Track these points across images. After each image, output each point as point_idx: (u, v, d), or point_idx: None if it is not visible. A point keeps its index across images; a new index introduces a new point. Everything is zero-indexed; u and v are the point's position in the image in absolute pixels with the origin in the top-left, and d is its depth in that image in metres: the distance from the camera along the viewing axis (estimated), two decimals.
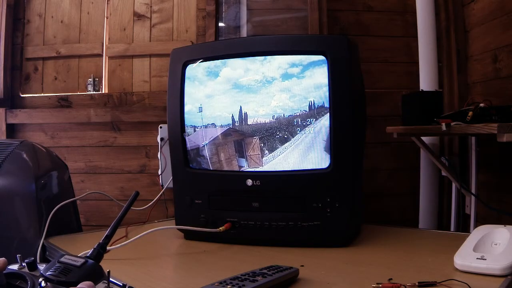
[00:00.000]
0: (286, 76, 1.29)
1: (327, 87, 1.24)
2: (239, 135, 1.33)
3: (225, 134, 1.35)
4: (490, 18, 1.75)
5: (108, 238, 0.89)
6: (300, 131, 1.28)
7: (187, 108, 1.38)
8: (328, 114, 1.25)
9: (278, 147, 1.30)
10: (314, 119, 1.26)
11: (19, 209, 1.39)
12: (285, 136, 1.29)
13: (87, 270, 0.75)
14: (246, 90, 1.32)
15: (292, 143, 1.29)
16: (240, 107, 1.32)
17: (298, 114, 1.28)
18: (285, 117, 1.28)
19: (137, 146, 2.14)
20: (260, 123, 1.31)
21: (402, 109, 1.85)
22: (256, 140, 1.31)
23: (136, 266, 1.14)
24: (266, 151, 1.31)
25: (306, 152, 1.28)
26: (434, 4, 1.97)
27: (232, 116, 1.33)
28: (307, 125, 1.27)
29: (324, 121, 1.25)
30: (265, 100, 1.30)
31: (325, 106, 1.25)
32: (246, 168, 1.33)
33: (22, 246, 1.35)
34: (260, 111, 1.30)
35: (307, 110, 1.27)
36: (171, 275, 1.16)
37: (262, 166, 1.31)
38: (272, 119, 1.29)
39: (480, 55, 1.84)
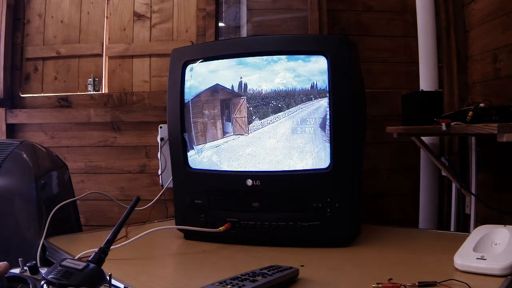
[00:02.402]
0: (292, 58, 1.29)
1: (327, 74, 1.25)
2: (226, 93, 1.32)
3: (212, 90, 1.34)
4: (490, 18, 1.75)
5: (109, 242, 0.90)
6: (297, 104, 1.27)
7: (187, 84, 1.38)
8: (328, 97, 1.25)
9: (269, 115, 1.29)
10: (314, 98, 1.26)
11: (19, 209, 1.39)
12: (279, 105, 1.28)
13: (88, 274, 0.75)
14: (251, 66, 1.32)
15: (286, 114, 1.28)
16: (241, 77, 1.32)
17: (299, 90, 1.28)
18: (285, 91, 1.28)
19: (137, 146, 2.14)
20: (256, 91, 1.30)
21: (402, 109, 1.85)
22: (243, 100, 1.30)
23: (136, 266, 1.14)
24: (255, 117, 1.30)
25: (299, 125, 1.27)
26: (434, 4, 1.97)
27: (232, 86, 1.33)
28: (305, 101, 1.27)
29: (324, 102, 1.25)
30: (269, 77, 1.30)
31: (327, 90, 1.25)
32: (231, 133, 1.33)
33: (22, 246, 1.35)
34: (263, 86, 1.30)
35: (309, 89, 1.27)
36: (171, 275, 1.16)
37: (248, 133, 1.30)
38: (270, 91, 1.30)
39: (480, 55, 1.84)
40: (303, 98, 1.27)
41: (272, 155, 1.30)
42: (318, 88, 1.26)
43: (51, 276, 0.73)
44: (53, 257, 1.28)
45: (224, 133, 1.34)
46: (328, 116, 1.25)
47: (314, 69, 1.27)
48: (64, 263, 0.76)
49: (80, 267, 0.75)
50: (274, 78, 1.30)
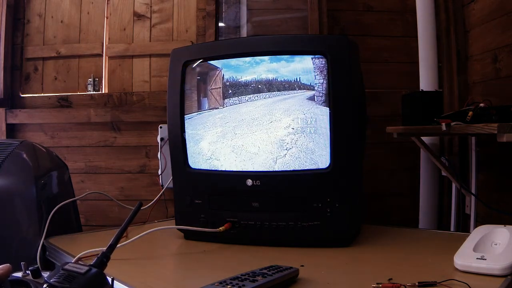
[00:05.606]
0: (274, 59, 1.30)
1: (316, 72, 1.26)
2: (206, 66, 1.33)
3: (197, 65, 1.37)
4: (490, 18, 1.75)
5: (111, 247, 0.90)
6: (280, 90, 1.29)
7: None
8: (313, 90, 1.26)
9: (248, 94, 1.31)
10: (298, 89, 1.27)
11: (19, 209, 1.39)
12: (259, 86, 1.29)
13: (90, 278, 0.75)
14: (234, 69, 1.33)
15: (267, 95, 1.29)
16: (223, 74, 1.33)
17: (282, 82, 1.29)
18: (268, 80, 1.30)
19: (137, 146, 2.14)
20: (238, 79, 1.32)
21: (402, 109, 1.85)
22: (219, 72, 1.32)
23: (136, 266, 1.14)
24: (231, 92, 1.31)
25: (281, 102, 1.28)
26: (434, 4, 1.97)
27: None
28: (289, 89, 1.28)
29: (309, 93, 1.27)
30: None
31: (312, 85, 1.27)
32: (206, 108, 1.35)
33: (22, 246, 1.35)
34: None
35: (292, 82, 1.28)
36: (171, 275, 1.16)
37: (223, 107, 1.32)
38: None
39: (480, 55, 1.84)
40: (287, 85, 1.29)
41: (246, 115, 1.30)
42: (303, 84, 1.27)
43: (53, 279, 0.74)
44: (53, 257, 1.28)
45: (199, 107, 1.36)
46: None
47: (298, 68, 1.28)
48: (66, 267, 0.76)
49: (82, 271, 0.75)
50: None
